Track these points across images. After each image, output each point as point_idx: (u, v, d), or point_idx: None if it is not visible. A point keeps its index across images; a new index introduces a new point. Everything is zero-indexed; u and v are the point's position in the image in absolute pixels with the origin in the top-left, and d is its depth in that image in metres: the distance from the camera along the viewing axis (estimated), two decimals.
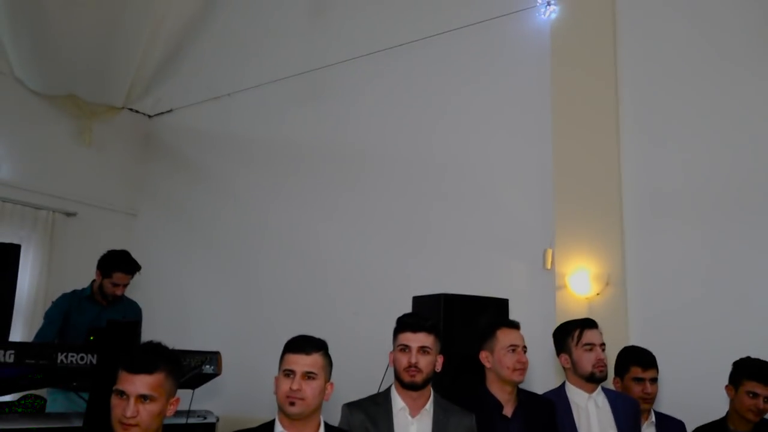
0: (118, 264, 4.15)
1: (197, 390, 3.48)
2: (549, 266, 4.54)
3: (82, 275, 4.55)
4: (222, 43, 6.61)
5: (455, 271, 4.87)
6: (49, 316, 4.22)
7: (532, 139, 4.81)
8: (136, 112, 6.77)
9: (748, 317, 4.02)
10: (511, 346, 2.78)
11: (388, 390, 2.64)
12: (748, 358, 3.26)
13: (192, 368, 3.33)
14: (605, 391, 2.99)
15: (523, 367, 2.77)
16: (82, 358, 3.01)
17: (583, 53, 4.67)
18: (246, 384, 5.10)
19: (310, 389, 2.25)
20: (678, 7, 4.50)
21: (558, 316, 4.40)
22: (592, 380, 2.90)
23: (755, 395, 3.13)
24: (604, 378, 2.94)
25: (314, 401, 2.27)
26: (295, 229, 5.79)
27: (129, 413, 2.04)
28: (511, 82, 4.99)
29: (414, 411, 2.56)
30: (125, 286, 4.21)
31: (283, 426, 2.28)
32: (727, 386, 3.26)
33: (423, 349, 2.58)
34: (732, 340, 3.75)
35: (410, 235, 5.24)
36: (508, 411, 2.74)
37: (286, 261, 5.77)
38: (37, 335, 4.17)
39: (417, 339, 2.59)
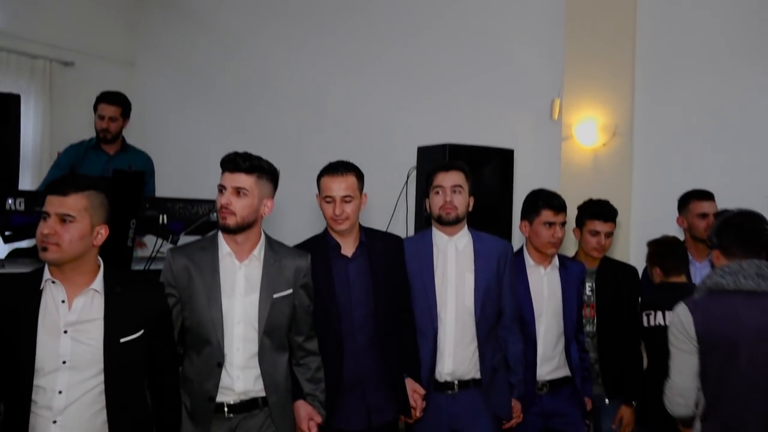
0: (101, 95, 4.17)
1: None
2: (556, 116, 4.49)
3: (84, 124, 4.53)
4: None
5: (461, 121, 4.82)
6: (55, 164, 4.23)
7: None
8: None
9: (755, 169, 4.05)
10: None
11: (215, 235, 2.52)
12: (590, 200, 3.37)
13: (200, 216, 3.39)
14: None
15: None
16: None
17: None
18: None
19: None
20: None
21: (563, 167, 4.42)
22: (439, 222, 2.90)
23: (596, 233, 3.28)
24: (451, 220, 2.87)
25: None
26: (297, 78, 5.66)
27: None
28: None
29: (241, 256, 2.45)
30: (113, 120, 4.14)
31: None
32: (574, 229, 3.39)
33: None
34: (735, 188, 3.77)
35: (416, 84, 5.13)
36: (347, 251, 2.69)
37: (288, 110, 5.69)
38: (43, 183, 4.19)
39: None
